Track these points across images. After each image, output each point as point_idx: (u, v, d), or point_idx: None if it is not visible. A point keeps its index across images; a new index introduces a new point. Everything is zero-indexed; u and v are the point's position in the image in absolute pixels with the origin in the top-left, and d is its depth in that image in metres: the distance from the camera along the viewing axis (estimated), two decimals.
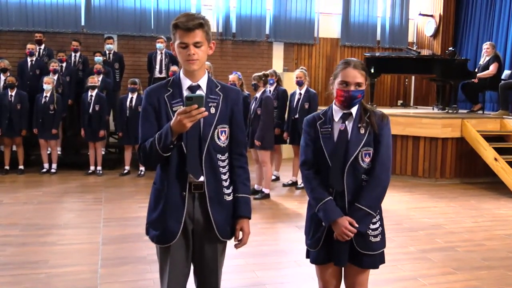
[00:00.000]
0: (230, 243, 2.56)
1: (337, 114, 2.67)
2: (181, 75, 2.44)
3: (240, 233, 2.52)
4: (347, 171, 2.60)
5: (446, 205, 7.06)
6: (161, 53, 9.49)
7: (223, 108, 2.45)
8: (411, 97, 12.97)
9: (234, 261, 4.57)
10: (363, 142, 2.61)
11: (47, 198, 6.86)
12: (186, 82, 2.42)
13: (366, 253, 2.65)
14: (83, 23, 10.51)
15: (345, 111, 2.66)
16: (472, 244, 5.34)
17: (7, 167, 8.39)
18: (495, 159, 7.88)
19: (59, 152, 8.86)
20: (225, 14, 11.27)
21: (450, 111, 9.54)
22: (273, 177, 7.90)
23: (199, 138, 2.38)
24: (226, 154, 2.49)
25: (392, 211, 6.63)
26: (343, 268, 2.77)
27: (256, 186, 7.22)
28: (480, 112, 9.76)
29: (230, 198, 2.50)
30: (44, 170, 8.47)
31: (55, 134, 8.41)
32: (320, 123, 2.69)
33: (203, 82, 2.44)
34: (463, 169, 8.67)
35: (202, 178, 2.40)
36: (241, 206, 2.51)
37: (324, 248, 2.71)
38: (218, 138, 2.43)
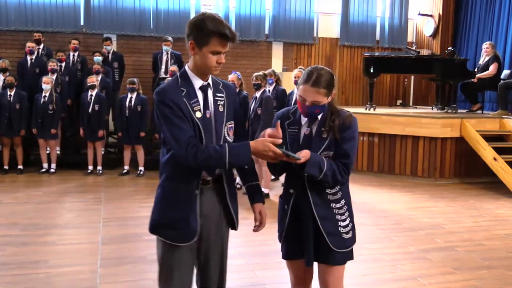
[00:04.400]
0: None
1: (304, 118, 2.67)
2: (190, 73, 2.42)
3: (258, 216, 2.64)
4: (299, 169, 2.56)
5: (446, 205, 7.06)
6: (167, 54, 9.52)
7: (228, 105, 2.49)
8: (411, 97, 12.97)
9: (234, 261, 4.57)
10: (324, 146, 2.60)
11: (47, 198, 6.85)
12: (197, 82, 2.42)
13: (340, 251, 2.65)
14: (82, 23, 10.49)
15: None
16: (472, 244, 5.35)
17: (6, 167, 8.38)
18: (495, 159, 7.89)
19: (58, 152, 8.85)
20: (225, 14, 11.26)
21: (449, 111, 9.55)
22: (272, 177, 7.90)
23: (214, 137, 2.42)
24: None
25: (392, 211, 6.63)
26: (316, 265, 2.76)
27: None
28: (480, 112, 9.77)
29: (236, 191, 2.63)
30: (44, 170, 8.47)
31: (54, 134, 8.40)
32: (288, 122, 2.69)
33: (210, 80, 2.47)
34: (463, 169, 8.67)
35: (215, 174, 2.46)
36: (256, 193, 2.64)
37: (293, 242, 2.73)
38: (228, 134, 2.47)
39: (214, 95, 2.44)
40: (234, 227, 2.61)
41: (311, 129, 2.64)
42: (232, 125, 2.49)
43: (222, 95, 2.47)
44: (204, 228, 2.48)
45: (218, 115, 2.42)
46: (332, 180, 2.57)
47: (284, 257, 2.81)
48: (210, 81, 2.46)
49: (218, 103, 2.44)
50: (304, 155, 2.48)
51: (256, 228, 2.66)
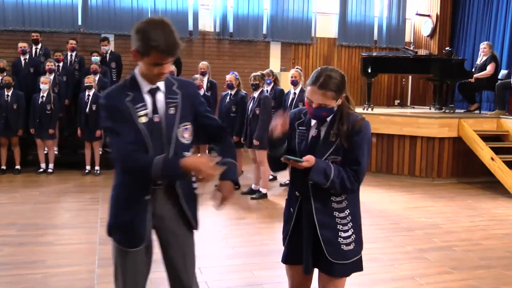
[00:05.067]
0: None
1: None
2: (139, 77, 2.37)
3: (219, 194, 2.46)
4: (304, 175, 2.48)
5: (443, 205, 7.07)
6: None
7: (184, 105, 2.41)
8: (408, 97, 13.00)
9: (231, 261, 4.58)
10: (331, 150, 2.50)
11: (44, 198, 6.84)
12: (145, 85, 2.36)
13: (338, 262, 2.53)
14: (80, 23, 10.50)
15: None
16: (469, 244, 5.35)
17: (4, 167, 8.37)
18: (492, 159, 7.90)
19: (56, 152, 8.84)
20: (222, 13, 11.27)
21: (447, 111, 9.56)
22: (271, 177, 7.91)
23: (163, 141, 2.35)
24: (191, 150, 2.48)
25: (390, 211, 6.64)
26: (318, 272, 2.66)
27: (253, 186, 7.21)
28: (477, 111, 9.78)
29: (197, 191, 2.54)
30: (41, 170, 8.45)
31: (52, 134, 8.39)
32: (298, 122, 2.62)
33: (161, 83, 2.39)
34: (460, 168, 8.68)
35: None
36: (230, 171, 2.48)
37: (295, 247, 2.63)
38: (183, 136, 2.41)
39: (166, 98, 2.38)
40: (192, 228, 2.52)
41: (320, 131, 2.55)
42: (188, 126, 2.42)
43: (176, 96, 2.39)
44: (161, 230, 2.47)
45: (168, 118, 2.35)
46: (340, 188, 2.46)
47: (283, 261, 2.72)
48: (161, 83, 2.39)
49: (169, 106, 2.37)
50: (307, 159, 2.41)
51: (217, 204, 2.47)
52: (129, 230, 2.41)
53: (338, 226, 2.53)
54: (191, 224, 2.51)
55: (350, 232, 2.55)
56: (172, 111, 2.37)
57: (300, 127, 2.60)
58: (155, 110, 2.35)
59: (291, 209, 2.65)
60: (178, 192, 2.43)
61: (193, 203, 2.52)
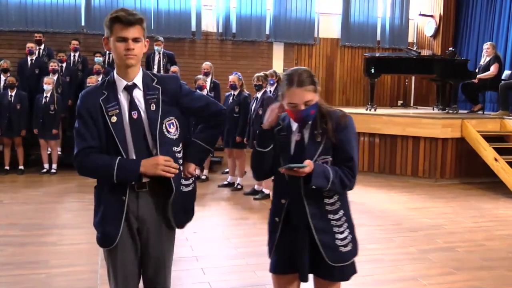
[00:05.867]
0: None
1: (294, 123, 2.50)
2: (115, 75, 2.40)
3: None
4: (303, 181, 2.41)
5: (446, 205, 7.05)
6: (159, 54, 9.53)
7: (165, 100, 2.41)
8: (411, 98, 12.97)
9: (234, 261, 4.58)
10: (319, 151, 2.43)
11: (47, 198, 6.86)
12: (121, 83, 2.38)
13: (337, 265, 2.48)
14: (83, 23, 10.51)
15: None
16: (472, 245, 5.34)
17: (7, 167, 8.39)
18: (495, 159, 7.88)
19: (59, 152, 8.86)
20: (225, 14, 11.27)
21: (450, 111, 9.54)
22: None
23: (148, 137, 2.37)
24: (180, 145, 2.48)
25: (392, 211, 6.63)
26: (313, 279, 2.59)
27: (256, 187, 7.21)
28: (480, 112, 9.76)
29: (188, 188, 2.54)
30: (44, 170, 8.47)
31: (55, 134, 8.41)
32: (277, 129, 2.51)
33: (138, 79, 2.41)
34: (463, 169, 8.66)
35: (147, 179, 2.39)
36: (191, 152, 2.54)
37: (283, 256, 2.55)
38: (168, 131, 2.41)
39: (146, 94, 2.38)
40: (172, 227, 2.52)
41: (302, 134, 2.47)
42: (172, 120, 2.42)
43: (155, 92, 2.40)
44: (142, 231, 2.47)
45: (150, 114, 2.36)
46: (341, 187, 2.41)
47: (273, 270, 2.63)
48: (138, 80, 2.40)
49: (150, 102, 2.37)
50: (307, 163, 2.33)
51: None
52: (102, 229, 2.45)
53: (334, 228, 2.48)
54: (170, 223, 2.49)
55: (346, 233, 2.51)
56: (153, 107, 2.38)
57: (281, 133, 2.51)
58: (132, 107, 2.36)
59: (276, 218, 2.55)
60: (174, 189, 2.41)
61: (178, 204, 2.48)
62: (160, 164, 2.30)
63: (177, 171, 2.35)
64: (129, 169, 2.29)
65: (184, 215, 2.55)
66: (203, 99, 2.60)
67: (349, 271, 2.54)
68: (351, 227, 2.55)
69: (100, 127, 2.34)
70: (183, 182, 2.50)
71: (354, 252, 2.54)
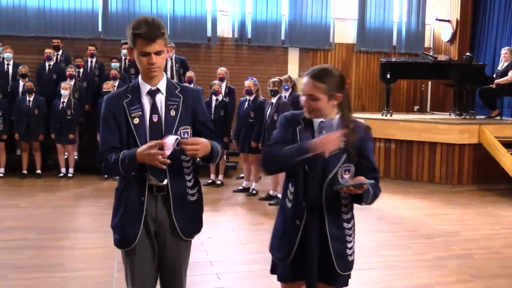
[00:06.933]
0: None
1: (316, 122, 2.45)
2: (140, 80, 2.47)
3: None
4: (325, 188, 2.41)
5: (463, 212, 6.98)
6: (171, 59, 9.56)
7: (184, 110, 2.47)
8: (428, 103, 12.88)
9: (248, 267, 4.57)
10: (343, 158, 2.40)
11: (64, 202, 6.92)
12: (145, 87, 2.46)
13: (344, 273, 2.50)
14: (100, 29, 10.62)
15: (323, 120, 2.44)
16: (490, 252, 5.28)
17: (25, 171, 8.49)
18: None
19: (76, 157, 8.93)
20: (241, 19, 11.31)
21: (467, 117, 9.45)
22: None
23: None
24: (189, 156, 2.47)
25: (408, 218, 6.58)
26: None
27: (271, 192, 7.20)
28: (498, 118, 9.65)
29: (194, 198, 2.54)
30: (61, 174, 8.55)
31: (72, 139, 8.50)
32: (300, 128, 2.46)
33: (162, 85, 2.47)
34: (481, 175, 8.57)
35: (165, 181, 2.43)
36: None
37: (298, 263, 2.48)
38: (183, 138, 2.42)
39: (167, 100, 2.45)
40: (180, 236, 2.50)
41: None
42: (188, 130, 2.46)
43: (177, 99, 2.47)
44: (159, 234, 2.50)
45: (169, 119, 2.43)
46: (375, 198, 2.46)
47: (285, 280, 2.56)
48: (162, 86, 2.46)
49: (170, 107, 2.44)
50: (361, 180, 2.30)
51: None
52: (121, 230, 2.49)
53: (346, 237, 2.49)
54: (177, 232, 2.49)
55: (353, 243, 2.54)
56: (172, 113, 2.45)
57: (304, 134, 2.44)
58: (154, 110, 2.43)
59: (297, 221, 2.46)
60: (170, 198, 2.45)
61: (186, 212, 2.50)
62: (146, 151, 2.28)
63: (165, 160, 2.28)
64: (129, 157, 2.33)
65: (192, 226, 2.56)
66: (210, 126, 2.61)
67: (348, 277, 2.57)
68: (355, 237, 2.58)
69: (122, 128, 2.42)
70: (189, 192, 2.52)
71: (353, 261, 2.57)
